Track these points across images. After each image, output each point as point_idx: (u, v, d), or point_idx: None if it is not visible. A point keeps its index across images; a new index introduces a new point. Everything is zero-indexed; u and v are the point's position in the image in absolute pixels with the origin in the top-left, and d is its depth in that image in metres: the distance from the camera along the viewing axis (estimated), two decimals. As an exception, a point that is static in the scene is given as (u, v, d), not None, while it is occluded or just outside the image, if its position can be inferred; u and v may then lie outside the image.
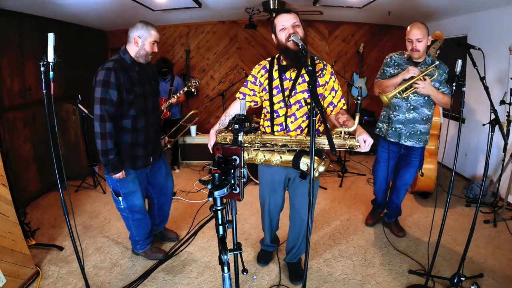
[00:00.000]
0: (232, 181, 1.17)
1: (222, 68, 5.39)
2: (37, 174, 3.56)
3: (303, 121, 1.87)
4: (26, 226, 2.64)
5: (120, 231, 2.88)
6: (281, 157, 1.74)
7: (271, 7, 3.87)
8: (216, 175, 1.10)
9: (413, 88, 2.25)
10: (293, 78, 1.84)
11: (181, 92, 3.79)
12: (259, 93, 1.97)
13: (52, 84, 1.60)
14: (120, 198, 2.21)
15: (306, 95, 1.82)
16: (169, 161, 4.55)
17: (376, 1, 3.63)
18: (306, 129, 1.86)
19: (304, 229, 2.07)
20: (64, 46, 3.87)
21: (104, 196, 3.65)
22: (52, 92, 1.59)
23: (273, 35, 1.84)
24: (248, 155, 1.79)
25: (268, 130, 1.95)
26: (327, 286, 2.16)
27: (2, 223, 1.98)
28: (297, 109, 1.85)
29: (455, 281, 1.98)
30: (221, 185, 1.11)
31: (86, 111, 3.49)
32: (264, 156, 1.77)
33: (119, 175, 2.06)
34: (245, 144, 1.80)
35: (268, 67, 1.90)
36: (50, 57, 1.59)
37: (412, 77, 2.23)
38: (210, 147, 1.86)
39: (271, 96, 1.87)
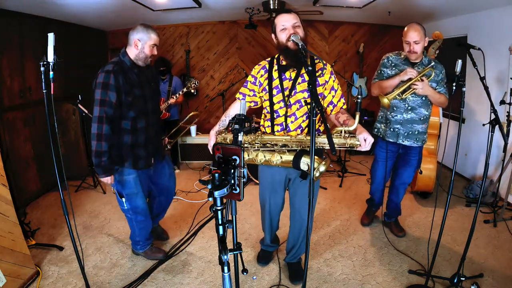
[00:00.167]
0: (232, 181, 1.17)
1: (222, 68, 5.39)
2: (37, 174, 3.56)
3: (303, 121, 1.87)
4: (26, 226, 2.64)
5: (120, 231, 2.88)
6: (281, 157, 1.74)
7: (271, 7, 3.87)
8: (216, 175, 1.10)
9: (411, 89, 2.27)
10: (293, 78, 1.84)
11: (180, 92, 3.78)
12: (259, 93, 1.96)
13: (52, 84, 1.61)
14: (124, 199, 2.21)
15: (306, 94, 1.82)
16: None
17: (376, 1, 3.63)
18: (307, 128, 1.86)
19: (305, 229, 2.07)
20: (64, 46, 3.87)
21: (104, 196, 3.65)
22: (52, 92, 1.59)
23: (273, 35, 1.84)
24: (248, 155, 1.79)
25: (268, 130, 1.95)
26: (327, 286, 2.16)
27: (2, 223, 1.98)
28: (297, 109, 1.85)
29: (455, 281, 1.98)
30: (221, 185, 1.11)
31: (86, 111, 3.49)
32: (265, 157, 1.77)
33: (108, 179, 2.06)
34: (245, 145, 1.80)
35: (267, 67, 1.90)
36: (50, 57, 1.59)
37: (410, 79, 2.25)
38: (210, 147, 1.86)
39: (271, 96, 1.87)
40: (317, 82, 1.83)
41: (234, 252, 1.22)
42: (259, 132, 1.86)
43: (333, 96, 1.88)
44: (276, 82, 1.86)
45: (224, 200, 1.16)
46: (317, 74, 1.84)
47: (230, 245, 1.16)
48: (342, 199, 3.49)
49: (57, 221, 3.05)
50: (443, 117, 3.36)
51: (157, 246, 2.58)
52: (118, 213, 3.18)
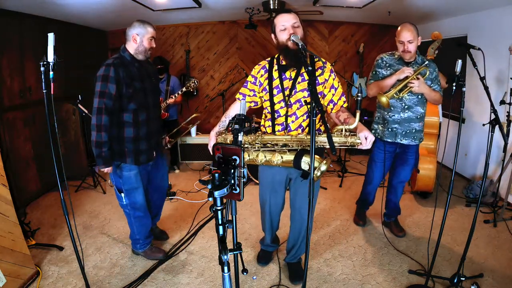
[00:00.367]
0: (232, 181, 1.17)
1: (222, 68, 5.39)
2: (37, 174, 3.56)
3: (304, 120, 1.87)
4: (26, 226, 2.64)
5: (120, 231, 2.88)
6: (282, 157, 1.74)
7: (271, 7, 3.87)
8: (216, 175, 1.10)
9: (408, 88, 2.30)
10: (293, 77, 1.84)
11: (179, 92, 3.77)
12: (259, 93, 1.96)
13: (52, 84, 1.61)
14: (123, 195, 2.24)
15: (306, 93, 1.82)
16: (169, 161, 4.55)
17: (376, 1, 3.63)
18: (307, 128, 1.86)
19: (305, 229, 2.07)
20: (64, 46, 3.87)
21: (104, 196, 3.65)
22: (52, 92, 1.60)
23: (272, 35, 1.84)
24: (248, 156, 1.79)
25: (269, 130, 1.95)
26: (327, 286, 2.16)
27: (2, 223, 1.98)
28: (298, 108, 1.85)
29: (455, 281, 1.98)
30: (221, 185, 1.11)
31: (86, 111, 3.49)
32: (265, 157, 1.76)
33: (109, 169, 2.11)
34: (246, 145, 1.79)
35: (267, 67, 1.90)
36: (50, 57, 1.59)
37: (406, 77, 2.28)
38: (210, 148, 1.86)
39: (271, 96, 1.87)
40: (316, 81, 1.83)
41: (234, 252, 1.22)
42: (260, 132, 1.86)
43: (333, 95, 1.88)
44: (276, 82, 1.86)
45: (224, 200, 1.16)
46: (317, 73, 1.84)
47: (230, 245, 1.16)
48: (342, 199, 3.49)
49: (57, 221, 3.05)
50: (443, 117, 3.37)
51: (157, 246, 2.58)
52: (118, 213, 3.18)
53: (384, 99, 2.27)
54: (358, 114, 1.55)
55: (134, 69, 2.11)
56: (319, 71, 1.85)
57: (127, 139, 2.13)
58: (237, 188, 1.18)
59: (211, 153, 1.31)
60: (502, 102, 2.92)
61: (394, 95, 2.32)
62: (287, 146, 1.75)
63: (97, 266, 2.39)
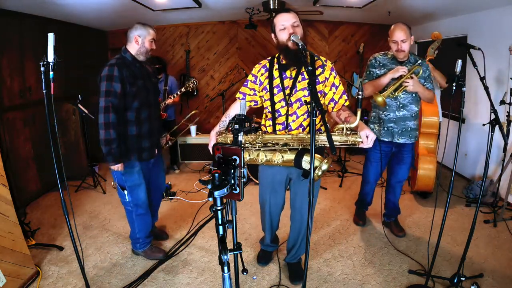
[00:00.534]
0: (232, 181, 1.17)
1: (222, 68, 5.39)
2: (37, 174, 3.56)
3: (305, 120, 1.87)
4: (26, 226, 2.64)
5: (120, 231, 2.88)
6: (282, 157, 1.74)
7: (271, 7, 3.87)
8: (216, 175, 1.10)
9: (403, 87, 2.33)
10: (293, 76, 1.84)
11: (178, 92, 3.76)
12: (259, 92, 1.96)
13: (52, 84, 1.61)
14: (125, 192, 2.26)
15: (306, 92, 1.82)
16: (168, 161, 4.55)
17: (376, 1, 3.63)
18: (308, 127, 1.86)
19: (305, 229, 2.06)
20: (64, 46, 3.87)
21: (104, 196, 3.65)
22: (52, 92, 1.60)
23: (272, 35, 1.84)
24: (249, 155, 1.79)
25: (269, 129, 1.95)
26: (327, 286, 2.16)
27: (2, 223, 1.98)
28: (298, 107, 1.85)
29: (455, 281, 1.98)
30: (221, 185, 1.11)
31: (86, 111, 3.48)
32: (266, 156, 1.76)
33: (118, 166, 2.13)
34: (246, 145, 1.79)
35: (268, 66, 1.90)
36: (50, 57, 1.60)
37: (400, 76, 2.31)
38: (210, 148, 1.86)
39: (271, 95, 1.87)
40: (317, 80, 1.83)
41: (234, 252, 1.22)
42: (260, 131, 1.86)
43: (334, 93, 1.88)
44: (277, 81, 1.86)
45: (224, 200, 1.16)
46: (317, 72, 1.84)
47: (230, 245, 1.16)
48: (342, 199, 3.49)
49: (57, 221, 3.05)
50: (443, 117, 3.37)
51: (157, 246, 2.58)
52: (118, 213, 3.18)
53: (380, 99, 2.30)
54: (359, 113, 1.55)
55: (135, 69, 2.17)
56: (319, 69, 1.85)
57: (131, 137, 2.18)
58: (237, 188, 1.18)
59: (211, 153, 1.31)
60: (502, 102, 2.92)
61: (390, 94, 2.35)
62: (288, 145, 1.75)
63: (97, 266, 2.39)
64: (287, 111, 1.86)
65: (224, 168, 1.17)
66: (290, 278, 2.23)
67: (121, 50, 2.19)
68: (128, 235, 2.59)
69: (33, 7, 3.32)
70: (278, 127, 1.91)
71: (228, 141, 1.84)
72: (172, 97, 3.76)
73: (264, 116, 2.03)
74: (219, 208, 1.13)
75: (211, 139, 1.90)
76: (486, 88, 1.89)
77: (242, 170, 1.17)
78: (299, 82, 1.83)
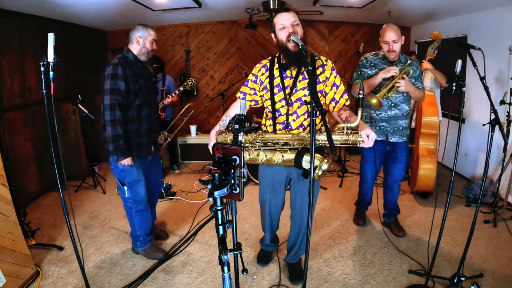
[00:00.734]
0: (232, 181, 1.17)
1: (222, 68, 5.39)
2: (37, 174, 3.56)
3: (305, 119, 1.87)
4: (26, 226, 2.64)
5: (120, 231, 2.88)
6: (283, 156, 1.74)
7: (271, 7, 3.87)
8: (216, 175, 1.10)
9: (395, 87, 2.36)
10: (293, 76, 1.84)
11: (176, 92, 3.75)
12: (259, 91, 1.96)
13: (52, 84, 1.61)
14: (125, 188, 2.30)
15: (306, 92, 1.82)
16: (168, 161, 4.54)
17: (376, 1, 3.63)
18: (308, 127, 1.86)
19: (305, 229, 2.06)
20: (64, 46, 3.87)
21: (104, 196, 3.65)
22: (52, 92, 1.60)
23: (272, 34, 1.84)
24: (249, 155, 1.79)
25: (270, 129, 1.95)
26: (327, 286, 2.16)
27: (2, 223, 1.98)
28: (298, 107, 1.85)
29: (455, 281, 1.98)
30: (221, 185, 1.11)
31: (86, 111, 3.48)
32: (266, 156, 1.76)
33: (127, 160, 2.17)
34: (246, 144, 1.79)
35: (268, 66, 1.90)
36: (50, 57, 1.60)
37: (392, 77, 2.34)
38: (210, 148, 1.86)
39: (272, 94, 1.87)
40: (317, 80, 1.83)
41: (234, 252, 1.22)
42: (260, 131, 1.86)
43: (334, 93, 1.88)
44: (277, 81, 1.86)
45: (224, 200, 1.16)
46: (317, 72, 1.84)
47: (230, 245, 1.16)
48: (342, 199, 3.49)
49: (57, 221, 3.05)
50: (443, 117, 3.37)
51: (157, 245, 2.58)
52: (118, 213, 3.18)
53: (375, 101, 2.33)
54: (360, 112, 1.55)
55: (137, 69, 2.23)
56: (320, 69, 1.85)
57: (131, 133, 2.23)
58: (237, 188, 1.18)
59: (211, 152, 1.31)
60: (502, 102, 2.91)
61: (383, 96, 2.38)
62: (288, 144, 1.75)
63: (97, 266, 2.38)
64: (288, 110, 1.86)
65: (224, 168, 1.17)
66: (290, 278, 2.22)
67: (124, 50, 2.24)
68: (128, 235, 2.59)
69: (33, 7, 3.32)
70: (278, 126, 1.91)
71: (228, 141, 1.84)
72: (170, 97, 3.74)
73: (264, 115, 2.03)
74: (219, 208, 1.13)
75: (211, 139, 1.90)
76: (486, 88, 1.89)
77: (242, 170, 1.17)
78: (300, 81, 1.83)
